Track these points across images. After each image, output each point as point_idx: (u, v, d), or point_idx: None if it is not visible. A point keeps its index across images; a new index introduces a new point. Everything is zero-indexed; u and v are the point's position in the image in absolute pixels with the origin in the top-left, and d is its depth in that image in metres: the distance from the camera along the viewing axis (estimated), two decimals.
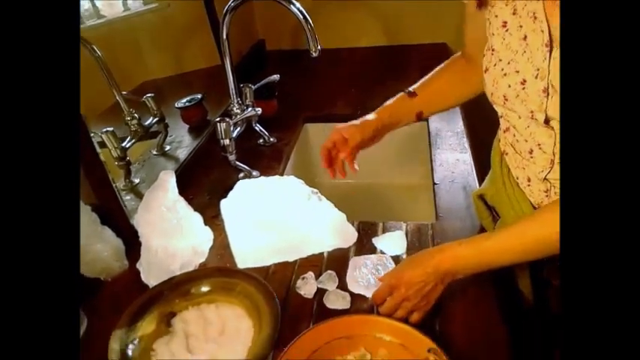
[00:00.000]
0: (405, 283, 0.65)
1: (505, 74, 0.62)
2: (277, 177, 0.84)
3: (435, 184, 0.97)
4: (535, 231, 0.59)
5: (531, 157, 0.66)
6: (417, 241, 0.83)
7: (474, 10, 0.73)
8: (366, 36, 1.72)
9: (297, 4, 0.90)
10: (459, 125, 1.17)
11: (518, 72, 0.61)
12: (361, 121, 0.83)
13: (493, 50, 0.65)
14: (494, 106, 0.69)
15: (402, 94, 0.85)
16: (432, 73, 0.85)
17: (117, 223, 0.85)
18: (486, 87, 0.68)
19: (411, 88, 0.85)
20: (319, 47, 0.91)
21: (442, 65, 0.85)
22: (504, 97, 0.64)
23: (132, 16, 1.19)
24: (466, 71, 0.81)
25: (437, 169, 1.01)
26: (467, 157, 1.05)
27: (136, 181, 1.03)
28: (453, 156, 1.05)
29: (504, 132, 0.72)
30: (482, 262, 0.64)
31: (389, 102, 0.86)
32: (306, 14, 0.89)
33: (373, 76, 1.51)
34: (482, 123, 0.94)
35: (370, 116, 0.84)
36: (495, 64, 0.64)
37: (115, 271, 0.80)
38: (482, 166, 0.87)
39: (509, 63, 0.62)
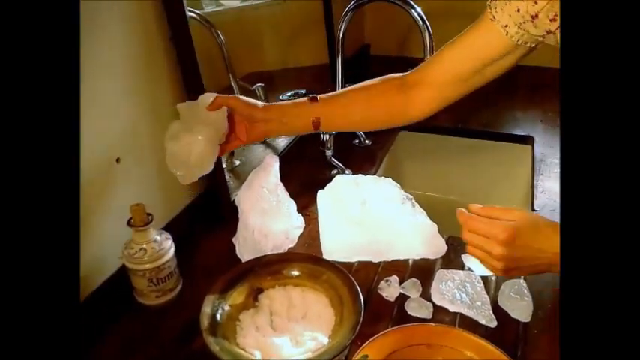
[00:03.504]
0: (509, 247, 0.57)
1: None
2: (375, 177, 0.86)
3: (534, 210, 0.93)
4: None
5: None
6: None
7: (485, 42, 0.69)
8: None
9: (419, 9, 0.91)
10: None
11: None
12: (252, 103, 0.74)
13: None
14: None
15: (304, 98, 0.77)
16: (354, 85, 0.79)
17: (219, 197, 0.91)
18: None
19: (318, 95, 0.77)
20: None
21: (369, 80, 0.79)
22: None
23: (249, 7, 1.26)
24: (396, 95, 0.76)
25: (538, 196, 0.97)
26: None
27: (237, 163, 1.09)
28: (557, 185, 1.01)
29: None
30: None
31: (291, 99, 0.78)
32: (425, 19, 0.90)
33: (478, 91, 1.47)
34: None
35: (259, 103, 0.75)
36: None
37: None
38: None
39: None
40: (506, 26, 0.67)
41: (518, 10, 0.64)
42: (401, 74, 0.78)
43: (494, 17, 0.67)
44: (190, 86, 0.83)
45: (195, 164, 0.70)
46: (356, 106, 0.78)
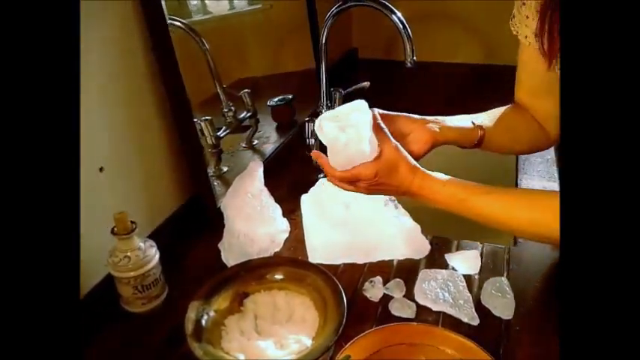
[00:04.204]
0: (373, 183, 0.64)
1: None
2: None
3: None
4: (527, 214, 0.60)
5: None
6: (492, 263, 0.82)
7: (528, 57, 0.72)
8: (462, 52, 1.70)
9: (399, 14, 0.92)
10: (550, 152, 1.12)
11: None
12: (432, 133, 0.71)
13: None
14: None
15: (468, 122, 0.75)
16: (493, 111, 0.79)
17: (206, 204, 0.92)
18: None
19: (476, 122, 0.76)
20: (414, 58, 0.92)
21: (504, 107, 0.79)
22: None
23: (236, 14, 1.27)
24: (530, 117, 0.78)
25: None
26: (555, 186, 1.01)
27: (224, 169, 1.09)
28: (540, 184, 1.02)
29: None
30: (455, 210, 0.64)
31: (457, 124, 0.74)
32: (405, 24, 0.91)
33: (465, 94, 1.49)
34: None
35: (436, 128, 0.71)
36: None
37: None
38: None
39: None
40: (526, 37, 0.71)
41: (527, 17, 0.69)
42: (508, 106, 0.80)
43: (517, 32, 0.72)
44: (173, 96, 0.84)
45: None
46: (517, 124, 0.78)
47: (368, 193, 0.67)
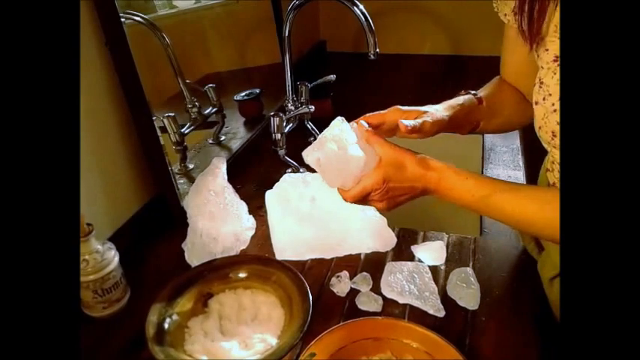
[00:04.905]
0: (384, 190, 0.61)
1: (555, 110, 0.58)
2: None
3: None
4: (541, 213, 0.57)
5: None
6: (458, 254, 0.82)
7: (509, 36, 0.72)
8: (430, 43, 1.70)
9: (361, 6, 0.91)
10: (516, 142, 1.14)
11: None
12: (434, 119, 0.67)
13: (542, 83, 0.61)
14: (540, 140, 0.66)
15: (470, 96, 0.74)
16: (490, 85, 0.79)
17: (169, 203, 0.90)
18: (535, 120, 0.64)
19: (477, 93, 0.75)
20: (377, 51, 0.91)
21: (493, 81, 0.79)
22: (553, 133, 0.60)
23: (202, 8, 1.24)
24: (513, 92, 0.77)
25: None
26: (520, 175, 1.02)
27: (191, 166, 1.07)
28: (505, 172, 1.03)
29: (549, 169, 0.70)
30: (474, 206, 0.60)
31: (458, 102, 0.73)
32: (368, 16, 0.90)
33: (432, 85, 1.50)
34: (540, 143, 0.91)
35: (441, 114, 0.69)
36: (545, 98, 0.60)
37: None
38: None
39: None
40: (505, 15, 0.70)
41: None
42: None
43: (498, 9, 0.71)
44: (130, 92, 0.81)
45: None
46: (508, 104, 0.77)
47: (388, 207, 0.63)
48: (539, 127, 0.63)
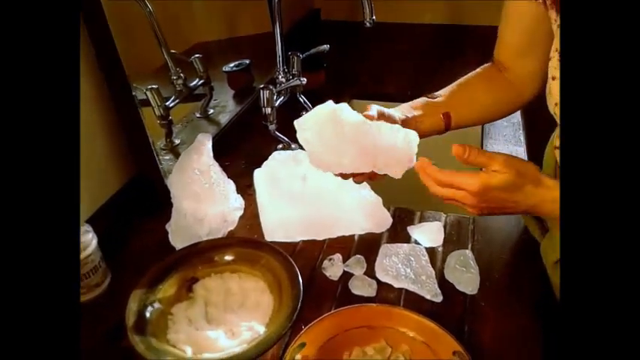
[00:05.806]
0: (486, 201, 0.55)
1: None
2: None
3: None
4: None
5: None
6: (456, 235, 0.78)
7: (513, 11, 0.67)
8: (430, 12, 1.63)
9: None
10: (517, 116, 1.09)
11: None
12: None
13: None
14: (554, 117, 0.62)
15: (423, 98, 0.73)
16: (460, 80, 0.75)
17: (152, 181, 0.85)
18: (551, 96, 0.60)
19: (435, 93, 0.73)
20: (373, 18, 0.86)
21: (471, 73, 0.75)
22: None
23: None
24: (500, 80, 0.73)
25: None
26: (521, 150, 0.98)
27: (177, 141, 1.02)
28: (506, 148, 0.98)
29: (557, 147, 0.66)
30: None
31: (411, 102, 0.72)
32: None
33: (430, 55, 1.44)
34: (543, 117, 0.86)
35: (397, 114, 0.69)
36: None
37: None
38: (537, 163, 0.80)
39: None
40: None
41: None
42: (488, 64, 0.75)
43: None
44: (105, 64, 0.75)
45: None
46: (479, 96, 0.73)
47: (480, 212, 0.57)
48: (556, 104, 0.58)
